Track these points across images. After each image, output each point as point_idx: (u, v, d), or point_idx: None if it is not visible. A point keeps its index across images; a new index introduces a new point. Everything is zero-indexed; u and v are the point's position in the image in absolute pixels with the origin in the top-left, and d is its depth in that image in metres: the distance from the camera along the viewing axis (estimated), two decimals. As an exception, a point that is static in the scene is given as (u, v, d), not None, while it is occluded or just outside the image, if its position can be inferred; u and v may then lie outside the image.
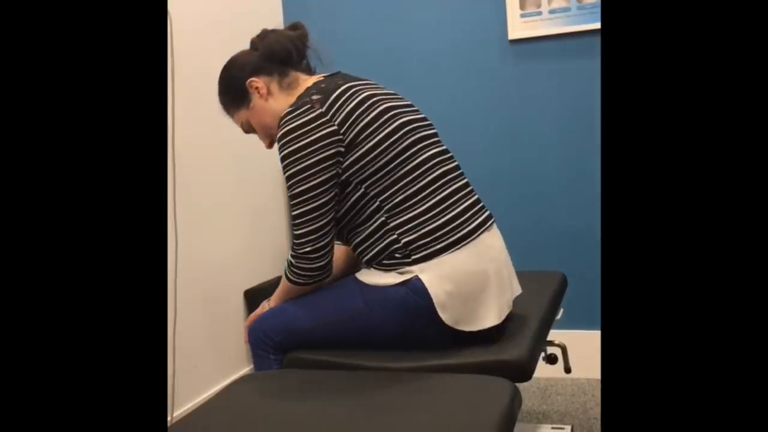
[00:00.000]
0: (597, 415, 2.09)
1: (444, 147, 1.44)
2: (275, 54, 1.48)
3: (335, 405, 1.10)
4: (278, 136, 1.36)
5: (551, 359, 1.68)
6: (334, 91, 1.37)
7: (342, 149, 1.34)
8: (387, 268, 1.35)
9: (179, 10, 2.10)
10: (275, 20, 2.64)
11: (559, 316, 1.72)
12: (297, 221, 1.36)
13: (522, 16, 2.36)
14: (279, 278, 2.47)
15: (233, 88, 1.49)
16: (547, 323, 1.48)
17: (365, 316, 1.33)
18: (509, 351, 1.26)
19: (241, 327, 2.35)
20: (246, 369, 2.37)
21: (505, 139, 2.44)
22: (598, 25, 2.28)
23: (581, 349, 2.36)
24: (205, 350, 2.16)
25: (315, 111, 1.34)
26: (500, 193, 2.45)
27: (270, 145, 1.54)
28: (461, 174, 1.43)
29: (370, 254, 1.38)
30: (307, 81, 1.49)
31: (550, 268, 2.41)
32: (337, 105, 1.35)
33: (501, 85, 2.42)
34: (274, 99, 1.47)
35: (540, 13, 2.34)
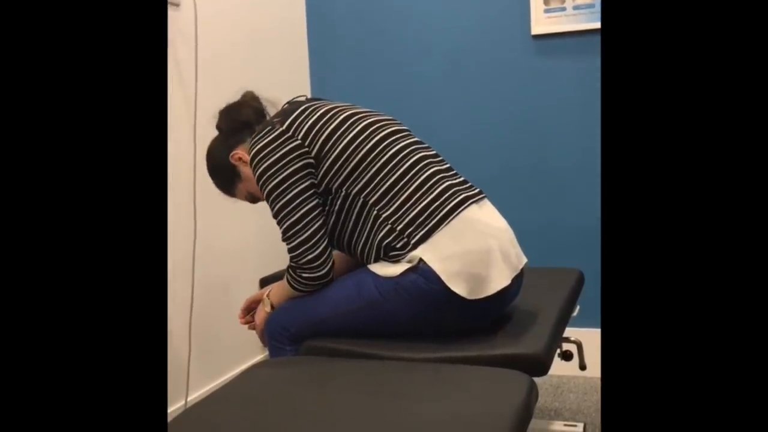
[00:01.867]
0: (610, 413, 2.08)
1: (418, 138, 1.48)
2: (239, 123, 1.56)
3: (350, 393, 1.10)
4: (249, 161, 1.43)
5: (566, 356, 1.68)
6: (294, 111, 1.44)
7: (311, 161, 1.39)
8: (394, 260, 1.35)
9: (204, 3, 2.11)
10: (298, 11, 2.65)
11: (575, 313, 1.72)
12: (286, 235, 1.39)
13: (546, 11, 2.35)
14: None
15: (222, 172, 1.57)
16: (564, 319, 1.48)
17: (380, 305, 1.34)
18: (526, 345, 1.26)
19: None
20: (261, 356, 2.38)
21: (526, 134, 2.43)
22: (622, 22, 2.26)
23: (596, 347, 2.35)
24: (221, 336, 2.18)
25: (276, 130, 1.40)
26: (519, 188, 2.45)
27: None
28: (442, 159, 1.46)
29: (374, 252, 1.39)
30: None
31: (568, 266, 2.40)
32: (298, 122, 1.41)
33: (523, 81, 2.41)
34: None
35: (564, 9, 2.33)
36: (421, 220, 1.34)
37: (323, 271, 1.40)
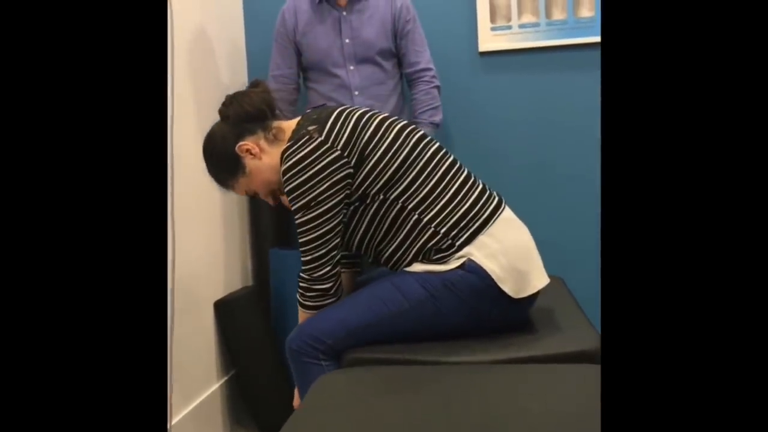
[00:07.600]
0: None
1: (440, 143, 1.47)
2: (250, 115, 1.45)
3: (449, 397, 1.06)
4: (282, 171, 1.36)
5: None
6: (329, 118, 1.38)
7: (351, 170, 1.35)
8: (440, 261, 1.35)
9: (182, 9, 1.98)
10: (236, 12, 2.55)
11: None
12: (306, 247, 1.37)
13: (492, 29, 2.43)
14: (247, 288, 2.36)
15: (224, 160, 1.45)
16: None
17: (429, 303, 1.32)
18: (583, 341, 1.28)
19: (212, 340, 2.21)
20: (216, 385, 2.23)
21: (474, 149, 2.48)
22: (565, 41, 2.39)
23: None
24: (174, 364, 2.02)
25: (315, 141, 1.34)
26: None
27: (275, 202, 1.52)
28: (462, 165, 1.46)
29: (410, 257, 1.37)
30: (291, 123, 1.47)
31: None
32: (335, 130, 1.36)
33: (471, 96, 2.48)
34: (267, 154, 1.45)
35: (510, 27, 2.42)
36: (464, 222, 1.35)
37: (331, 284, 1.39)
